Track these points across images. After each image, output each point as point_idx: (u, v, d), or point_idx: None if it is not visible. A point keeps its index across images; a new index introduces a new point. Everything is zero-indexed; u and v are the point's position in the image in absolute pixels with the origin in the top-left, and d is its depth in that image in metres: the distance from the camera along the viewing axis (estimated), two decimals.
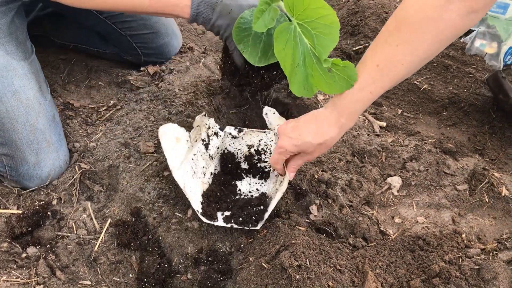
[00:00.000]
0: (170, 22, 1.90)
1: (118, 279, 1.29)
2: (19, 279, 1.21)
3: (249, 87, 1.46)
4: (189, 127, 1.48)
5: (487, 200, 1.51)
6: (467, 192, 1.53)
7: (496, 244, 1.37)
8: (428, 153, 1.61)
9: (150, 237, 1.36)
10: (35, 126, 1.45)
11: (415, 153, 1.61)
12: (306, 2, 1.10)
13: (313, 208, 1.40)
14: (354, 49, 2.09)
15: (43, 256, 1.29)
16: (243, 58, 1.31)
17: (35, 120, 1.46)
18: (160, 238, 1.35)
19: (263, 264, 1.19)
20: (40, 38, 1.87)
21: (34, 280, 1.22)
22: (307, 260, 1.17)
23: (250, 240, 1.31)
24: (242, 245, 1.30)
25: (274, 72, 1.40)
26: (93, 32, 1.89)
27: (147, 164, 1.50)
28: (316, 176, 1.46)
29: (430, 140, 1.69)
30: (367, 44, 2.06)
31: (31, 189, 1.47)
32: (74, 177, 1.49)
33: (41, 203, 1.41)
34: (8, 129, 1.41)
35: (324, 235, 1.34)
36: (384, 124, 1.76)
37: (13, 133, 1.42)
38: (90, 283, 1.27)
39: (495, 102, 1.83)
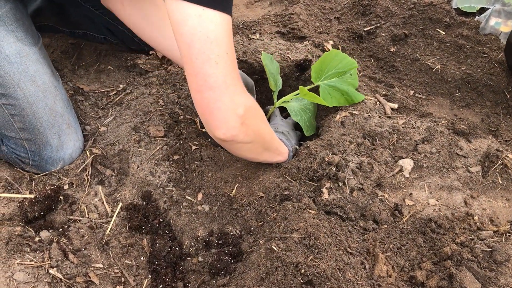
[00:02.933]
0: None
1: (130, 262, 1.30)
2: (32, 263, 1.23)
3: None
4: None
5: (500, 182, 1.48)
6: (480, 174, 1.51)
7: (509, 226, 1.35)
8: (440, 134, 1.59)
9: (161, 220, 1.37)
10: (54, 109, 1.47)
11: (427, 135, 1.59)
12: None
13: (324, 191, 1.39)
14: (365, 29, 2.06)
15: (55, 240, 1.31)
16: None
17: (54, 103, 1.47)
18: (171, 221, 1.36)
19: (273, 247, 1.19)
20: (48, 27, 1.87)
21: (48, 263, 1.24)
22: (318, 242, 1.17)
23: (260, 223, 1.31)
24: (252, 228, 1.31)
25: None
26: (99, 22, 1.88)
27: (157, 148, 1.50)
28: (326, 159, 1.45)
29: (442, 122, 1.66)
30: (378, 25, 2.03)
31: (44, 173, 1.49)
32: (86, 162, 1.50)
33: (53, 187, 1.43)
34: (28, 114, 1.42)
35: (335, 218, 1.34)
36: (395, 105, 1.73)
37: (34, 117, 1.43)
38: (102, 266, 1.28)
39: None
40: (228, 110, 1.11)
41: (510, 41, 1.73)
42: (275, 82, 1.64)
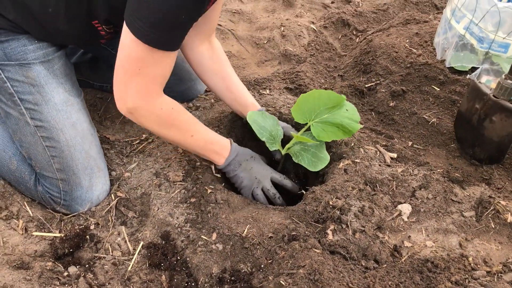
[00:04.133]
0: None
1: None
2: None
3: None
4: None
5: (493, 226, 1.60)
6: (474, 219, 1.62)
7: (501, 267, 1.45)
8: (436, 182, 1.72)
9: (178, 258, 1.49)
10: (89, 153, 1.65)
11: (424, 182, 1.72)
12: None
13: (328, 233, 1.52)
14: (366, 86, 2.24)
15: (82, 275, 1.43)
16: None
17: (89, 148, 1.66)
18: (188, 259, 1.48)
19: (281, 281, 1.30)
20: (80, 82, 2.07)
21: None
22: (322, 277, 1.29)
23: (269, 261, 1.43)
24: (262, 265, 1.42)
25: None
26: None
27: (176, 191, 1.64)
28: (330, 203, 1.58)
29: (438, 170, 1.80)
30: (378, 82, 2.21)
31: (73, 214, 1.63)
32: (111, 204, 1.65)
33: (80, 227, 1.57)
34: (67, 156, 1.60)
35: (338, 257, 1.45)
36: (395, 155, 1.88)
37: (71, 160, 1.61)
38: None
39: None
40: (121, 99, 1.50)
41: (461, 111, 1.89)
42: (270, 134, 1.75)
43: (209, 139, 1.68)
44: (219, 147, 1.70)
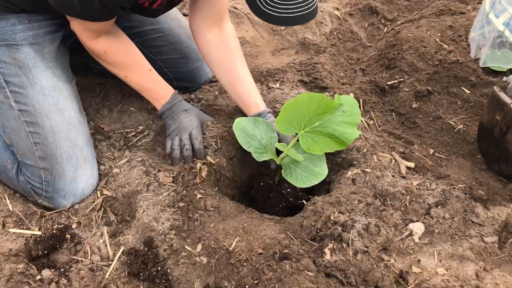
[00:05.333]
0: None
1: None
2: None
3: None
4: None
5: None
6: (496, 245, 1.44)
7: None
8: (456, 199, 1.53)
9: (159, 268, 1.37)
10: (75, 142, 1.55)
11: (441, 198, 1.53)
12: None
13: (326, 252, 1.36)
14: (388, 83, 2.03)
15: (55, 280, 1.34)
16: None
17: (76, 137, 1.56)
18: (169, 270, 1.36)
19: None
20: (80, 65, 1.96)
21: None
22: None
23: (255, 281, 1.29)
24: (247, 286, 1.28)
25: None
26: None
27: (165, 194, 1.52)
28: (332, 217, 1.42)
29: (459, 185, 1.60)
30: (402, 79, 2.00)
31: (55, 210, 1.53)
32: (96, 202, 1.54)
33: (60, 226, 1.47)
34: (51, 144, 1.51)
35: (334, 281, 1.30)
36: (412, 164, 1.68)
37: (55, 147, 1.51)
38: None
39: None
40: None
41: (482, 122, 1.69)
42: (259, 143, 1.55)
43: (146, 85, 1.68)
44: (156, 94, 1.69)
